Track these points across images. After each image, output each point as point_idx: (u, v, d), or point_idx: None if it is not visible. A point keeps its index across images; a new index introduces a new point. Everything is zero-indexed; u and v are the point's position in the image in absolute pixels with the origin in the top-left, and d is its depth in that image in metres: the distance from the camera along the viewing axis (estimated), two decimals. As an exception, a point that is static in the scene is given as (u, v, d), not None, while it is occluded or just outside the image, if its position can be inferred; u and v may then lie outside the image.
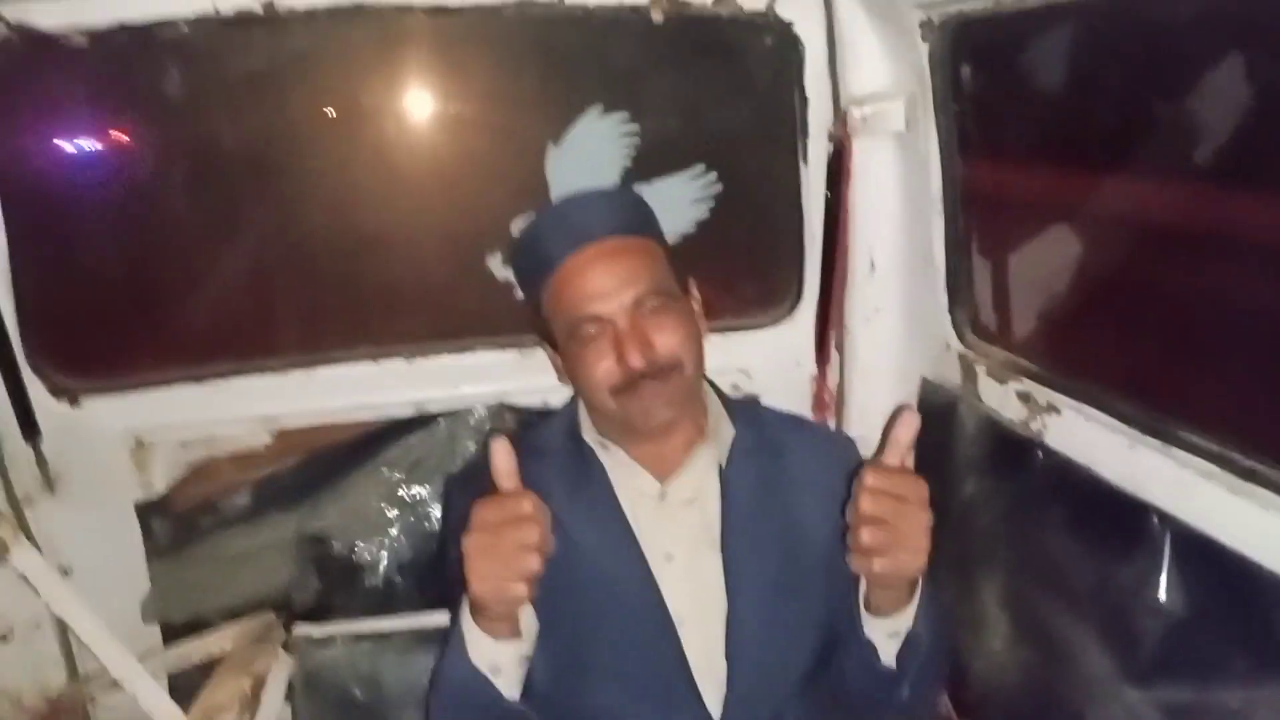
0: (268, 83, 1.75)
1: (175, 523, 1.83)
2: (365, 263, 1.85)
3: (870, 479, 1.14)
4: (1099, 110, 1.55)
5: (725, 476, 1.42)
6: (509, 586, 1.12)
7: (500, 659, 1.21)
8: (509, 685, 1.23)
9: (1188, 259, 1.49)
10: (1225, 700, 1.14)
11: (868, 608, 1.24)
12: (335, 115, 1.81)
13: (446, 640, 1.27)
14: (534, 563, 1.12)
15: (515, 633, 1.22)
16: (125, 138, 1.87)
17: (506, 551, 1.12)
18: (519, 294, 1.80)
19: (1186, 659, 1.20)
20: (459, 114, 1.86)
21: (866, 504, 1.13)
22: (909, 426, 1.18)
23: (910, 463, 1.18)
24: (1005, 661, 1.56)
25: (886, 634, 1.25)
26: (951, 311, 1.69)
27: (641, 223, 1.44)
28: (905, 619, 1.23)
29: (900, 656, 1.25)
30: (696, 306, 1.46)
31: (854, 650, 1.29)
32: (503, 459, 1.17)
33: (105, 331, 1.91)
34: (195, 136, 1.80)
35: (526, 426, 1.83)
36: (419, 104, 1.86)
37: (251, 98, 1.77)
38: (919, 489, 1.15)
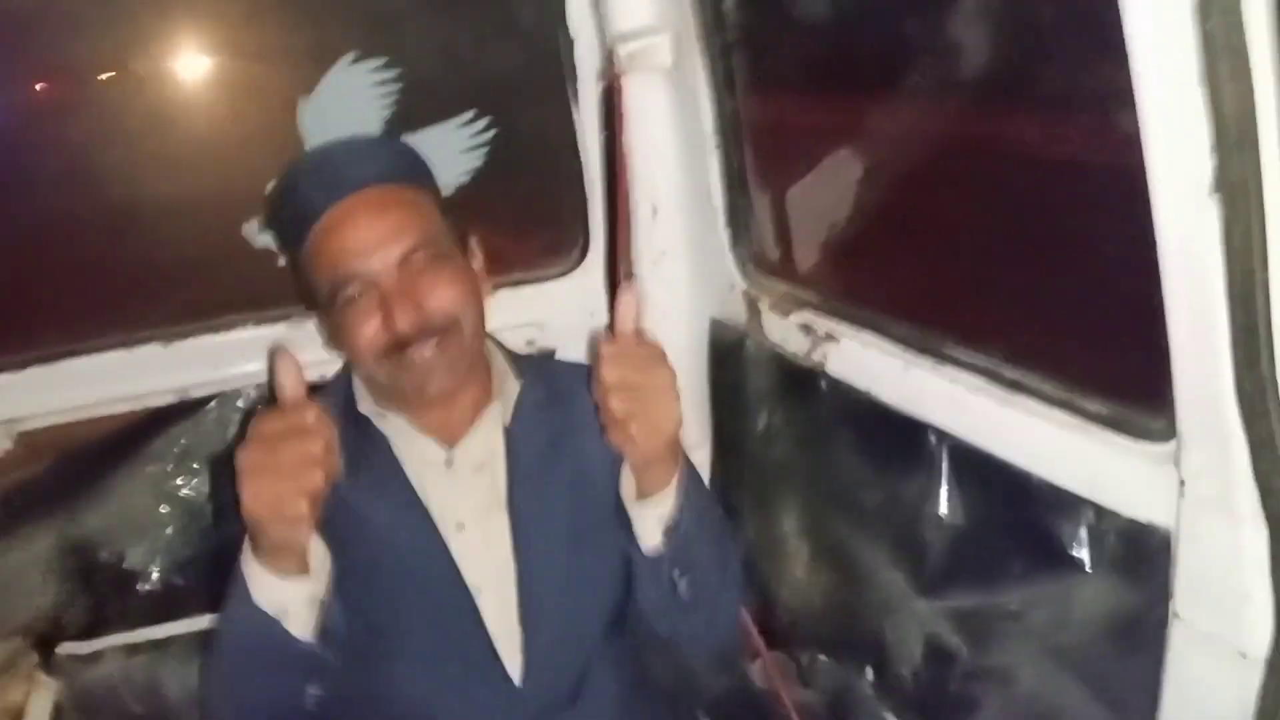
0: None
1: (-90, 548, 1.63)
2: (107, 242, 1.68)
3: (606, 348, 1.13)
4: (862, 40, 1.57)
5: (510, 435, 1.37)
6: (289, 503, 1.02)
7: (287, 599, 1.10)
8: (300, 629, 1.11)
9: (949, 183, 1.54)
10: (1005, 602, 1.18)
11: (636, 497, 1.23)
12: (59, 82, 1.63)
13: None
14: (316, 477, 1.02)
15: (302, 569, 1.10)
16: None
17: (287, 465, 1.02)
18: (281, 260, 1.69)
19: (968, 567, 1.25)
20: (200, 72, 1.70)
21: (608, 372, 1.12)
22: (628, 304, 1.17)
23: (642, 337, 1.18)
24: (807, 587, 1.59)
25: (655, 519, 1.22)
26: (734, 249, 1.68)
27: (408, 171, 1.34)
28: (669, 497, 1.21)
29: (667, 537, 1.22)
30: (477, 265, 1.38)
31: (633, 555, 1.27)
32: (288, 375, 1.09)
33: None
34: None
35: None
36: (155, 64, 1.68)
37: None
38: (655, 347, 1.15)
